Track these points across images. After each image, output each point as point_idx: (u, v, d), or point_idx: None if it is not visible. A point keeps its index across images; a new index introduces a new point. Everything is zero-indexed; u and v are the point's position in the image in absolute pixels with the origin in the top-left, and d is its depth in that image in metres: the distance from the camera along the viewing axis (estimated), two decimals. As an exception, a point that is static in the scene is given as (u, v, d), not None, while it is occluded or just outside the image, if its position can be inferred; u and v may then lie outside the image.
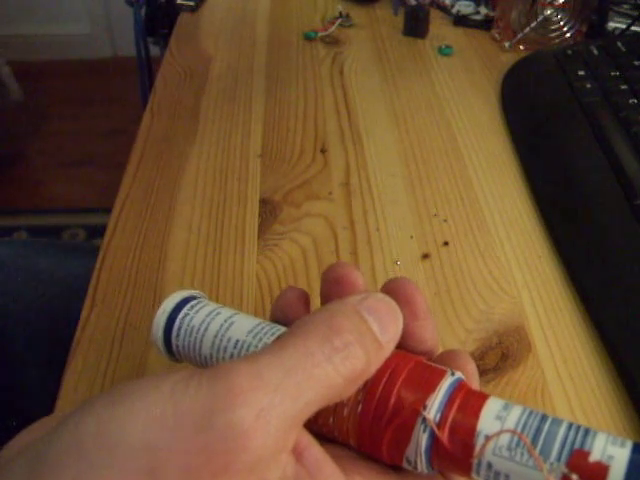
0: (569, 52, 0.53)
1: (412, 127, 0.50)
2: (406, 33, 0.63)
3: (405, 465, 0.20)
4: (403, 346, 0.22)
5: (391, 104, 0.53)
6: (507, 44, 0.60)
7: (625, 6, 0.61)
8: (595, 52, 0.52)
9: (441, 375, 0.20)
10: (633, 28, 0.59)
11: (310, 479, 0.18)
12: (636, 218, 0.37)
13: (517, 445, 0.18)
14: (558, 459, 0.17)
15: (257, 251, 0.39)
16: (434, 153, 0.48)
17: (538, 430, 0.18)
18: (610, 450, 0.17)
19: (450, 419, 0.19)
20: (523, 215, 0.42)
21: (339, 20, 0.64)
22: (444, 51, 0.60)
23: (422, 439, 0.19)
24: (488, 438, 0.18)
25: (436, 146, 0.48)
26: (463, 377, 0.21)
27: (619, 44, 0.52)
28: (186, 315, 0.24)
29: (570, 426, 0.18)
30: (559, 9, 0.58)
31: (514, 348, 0.34)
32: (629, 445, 0.17)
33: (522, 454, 0.18)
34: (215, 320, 0.23)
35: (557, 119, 0.47)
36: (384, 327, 0.20)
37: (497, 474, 0.18)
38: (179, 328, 0.23)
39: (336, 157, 0.47)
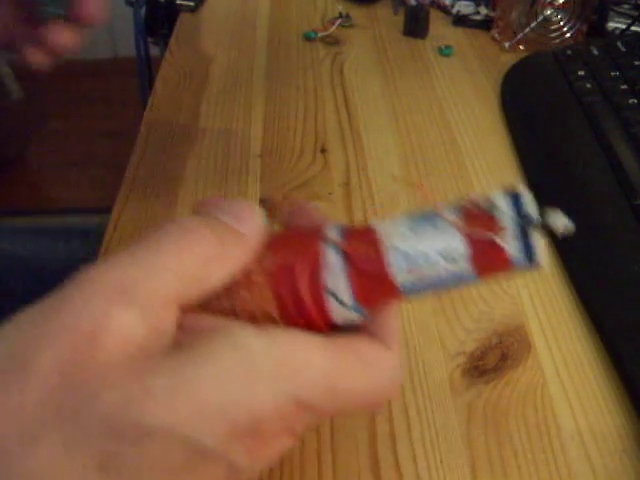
0: (569, 52, 0.53)
1: (412, 127, 0.50)
2: (406, 33, 0.63)
3: (331, 301, 0.20)
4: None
5: (391, 104, 0.53)
6: (507, 44, 0.60)
7: (625, 6, 0.61)
8: (595, 52, 0.52)
9: (320, 227, 0.21)
10: (633, 28, 0.59)
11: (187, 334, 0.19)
12: (636, 218, 0.37)
13: (415, 222, 0.20)
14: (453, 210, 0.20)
15: (257, 251, 0.39)
16: (434, 153, 0.48)
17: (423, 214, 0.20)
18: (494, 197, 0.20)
19: (349, 240, 0.20)
20: (523, 215, 0.42)
21: (339, 20, 0.64)
22: (444, 51, 0.60)
23: (335, 264, 0.19)
24: (386, 225, 0.20)
25: (436, 146, 0.48)
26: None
27: (619, 44, 0.52)
28: None
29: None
30: (559, 9, 0.58)
31: (514, 348, 0.34)
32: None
33: (422, 224, 0.20)
34: None
35: (557, 119, 0.47)
36: (240, 219, 0.21)
37: (415, 260, 0.19)
38: None
39: (336, 157, 0.47)
